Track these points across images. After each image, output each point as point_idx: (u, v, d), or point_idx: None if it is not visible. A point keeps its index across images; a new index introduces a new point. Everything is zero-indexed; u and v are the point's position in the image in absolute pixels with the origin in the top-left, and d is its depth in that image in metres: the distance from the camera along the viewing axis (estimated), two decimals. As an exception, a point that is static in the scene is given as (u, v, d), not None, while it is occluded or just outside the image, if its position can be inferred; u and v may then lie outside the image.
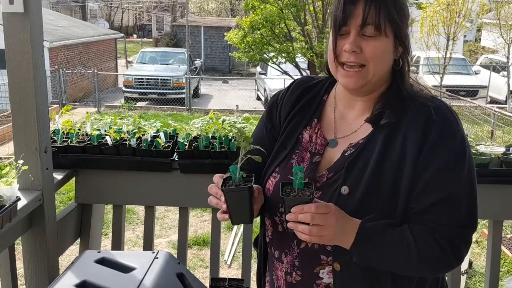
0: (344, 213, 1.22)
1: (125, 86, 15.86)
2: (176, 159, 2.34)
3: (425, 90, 1.36)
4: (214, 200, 1.32)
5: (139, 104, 15.34)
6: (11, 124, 2.04)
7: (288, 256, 1.37)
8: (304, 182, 1.22)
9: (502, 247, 5.20)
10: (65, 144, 2.36)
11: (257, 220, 1.54)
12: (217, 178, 1.32)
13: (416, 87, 1.35)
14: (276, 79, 14.24)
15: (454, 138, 1.25)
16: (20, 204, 1.89)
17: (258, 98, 16.70)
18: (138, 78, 15.71)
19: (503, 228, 2.56)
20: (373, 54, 1.25)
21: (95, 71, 15.06)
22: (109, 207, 3.26)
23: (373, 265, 1.25)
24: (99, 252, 1.75)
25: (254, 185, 1.31)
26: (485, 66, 16.80)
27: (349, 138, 1.35)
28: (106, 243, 4.29)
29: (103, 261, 1.68)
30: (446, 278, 2.42)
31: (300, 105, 1.45)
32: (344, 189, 1.27)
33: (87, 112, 2.83)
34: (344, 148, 1.34)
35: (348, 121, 1.38)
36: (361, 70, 1.26)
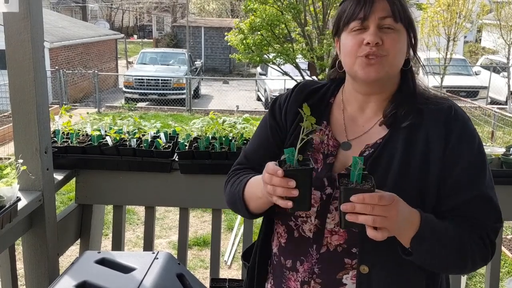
0: (404, 203, 1.15)
1: (126, 86, 15.85)
2: (176, 159, 2.34)
3: (437, 92, 1.38)
4: (279, 190, 1.15)
5: (140, 104, 15.34)
6: (11, 124, 2.04)
7: (305, 264, 1.31)
8: (363, 173, 1.14)
9: (503, 248, 5.19)
10: (65, 144, 2.36)
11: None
12: (272, 164, 1.17)
13: (427, 90, 1.37)
14: (277, 80, 14.24)
15: (474, 136, 1.29)
16: (20, 205, 1.89)
17: (259, 99, 16.70)
18: (139, 79, 15.71)
19: (504, 229, 2.56)
20: (393, 46, 1.26)
21: (96, 71, 15.06)
22: (109, 208, 3.26)
23: (426, 261, 1.21)
24: (99, 252, 1.75)
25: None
26: (486, 67, 16.78)
27: (363, 140, 1.34)
28: (106, 243, 4.29)
29: (103, 262, 1.68)
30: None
31: None
32: None
33: (87, 113, 2.83)
34: (361, 149, 1.32)
35: (359, 123, 1.37)
36: (383, 58, 1.26)
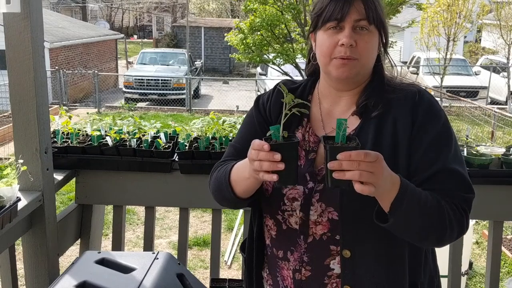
0: (386, 165, 1.18)
1: (126, 86, 15.85)
2: (176, 159, 2.34)
3: (404, 79, 1.44)
4: (266, 164, 1.17)
5: (140, 104, 15.34)
6: (11, 124, 2.04)
7: (295, 253, 1.38)
8: (347, 135, 1.17)
9: (503, 248, 5.20)
10: (65, 144, 2.36)
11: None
12: (259, 140, 1.19)
13: (397, 79, 1.43)
14: (277, 80, 14.18)
15: (440, 116, 1.35)
16: (20, 205, 1.89)
17: (259, 99, 16.68)
18: (139, 79, 15.70)
19: (504, 229, 2.56)
20: (366, 48, 1.33)
21: (96, 71, 15.07)
22: (109, 208, 3.26)
23: (404, 227, 1.23)
24: (99, 252, 1.75)
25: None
26: (485, 67, 16.78)
27: None
28: (106, 243, 4.29)
29: (103, 262, 1.68)
30: (447, 279, 2.43)
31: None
32: None
33: (87, 113, 2.83)
34: None
35: (335, 116, 1.42)
36: (355, 61, 1.33)
